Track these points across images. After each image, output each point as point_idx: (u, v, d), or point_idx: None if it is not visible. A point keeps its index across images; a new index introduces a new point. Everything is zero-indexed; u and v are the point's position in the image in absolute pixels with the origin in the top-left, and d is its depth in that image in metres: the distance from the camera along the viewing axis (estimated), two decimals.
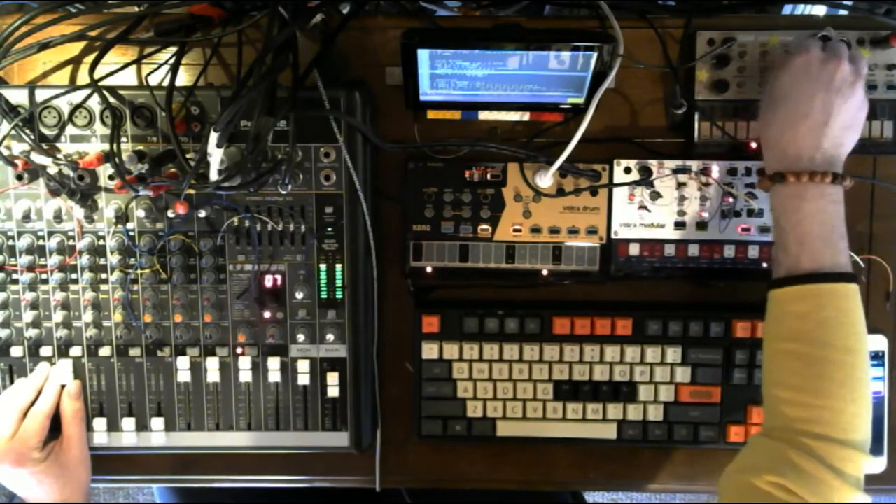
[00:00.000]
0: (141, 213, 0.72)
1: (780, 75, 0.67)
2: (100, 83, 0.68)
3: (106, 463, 0.78)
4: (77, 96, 0.70)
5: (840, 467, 0.56)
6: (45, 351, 0.74)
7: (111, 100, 0.69)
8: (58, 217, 0.73)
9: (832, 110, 0.63)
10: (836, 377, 0.59)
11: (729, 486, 0.60)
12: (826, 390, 0.58)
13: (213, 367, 0.74)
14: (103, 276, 0.73)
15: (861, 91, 0.65)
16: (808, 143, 0.64)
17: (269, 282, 0.74)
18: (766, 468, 0.57)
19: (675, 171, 0.75)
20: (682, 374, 0.77)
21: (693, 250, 0.77)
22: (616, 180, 0.76)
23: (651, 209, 0.76)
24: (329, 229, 0.73)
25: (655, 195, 0.76)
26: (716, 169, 0.75)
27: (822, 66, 0.64)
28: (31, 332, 0.74)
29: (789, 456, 0.57)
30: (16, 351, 0.74)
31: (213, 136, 0.61)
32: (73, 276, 0.73)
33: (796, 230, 0.63)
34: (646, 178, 0.75)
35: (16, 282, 0.73)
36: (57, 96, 0.70)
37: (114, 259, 0.73)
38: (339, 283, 0.73)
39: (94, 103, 0.70)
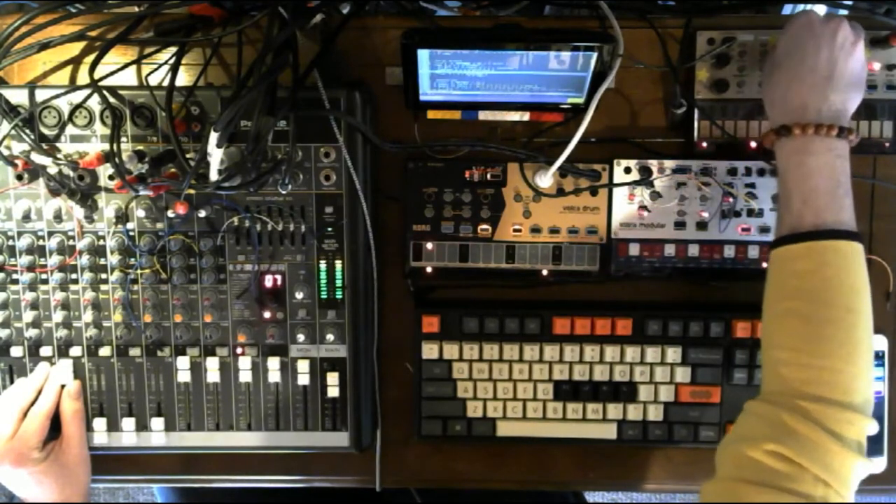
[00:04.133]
0: (141, 213, 0.72)
1: (782, 40, 0.66)
2: (100, 83, 0.68)
3: (106, 463, 0.78)
4: (77, 96, 0.70)
5: (839, 431, 0.54)
6: (45, 351, 0.74)
7: (111, 100, 0.69)
8: (58, 217, 0.73)
9: (836, 65, 0.63)
10: (835, 337, 0.57)
11: (725, 458, 0.58)
12: (825, 350, 0.56)
13: (213, 367, 0.74)
14: (103, 276, 0.73)
15: (861, 52, 0.65)
16: (814, 95, 0.63)
17: (269, 282, 0.74)
18: (762, 436, 0.55)
19: (675, 171, 0.75)
20: (682, 374, 0.77)
21: (693, 250, 0.77)
22: (616, 180, 0.76)
23: (651, 209, 0.76)
24: (329, 229, 0.73)
25: (655, 195, 0.76)
26: (716, 169, 0.75)
27: (824, 24, 0.64)
28: (31, 332, 0.74)
29: (786, 421, 0.55)
30: (16, 351, 0.74)
31: (213, 136, 0.61)
32: (73, 276, 0.73)
33: (801, 185, 0.61)
34: (646, 178, 0.75)
35: (16, 282, 0.73)
36: (57, 96, 0.70)
37: (114, 259, 0.73)
38: (339, 283, 0.73)
39: (94, 103, 0.70)
